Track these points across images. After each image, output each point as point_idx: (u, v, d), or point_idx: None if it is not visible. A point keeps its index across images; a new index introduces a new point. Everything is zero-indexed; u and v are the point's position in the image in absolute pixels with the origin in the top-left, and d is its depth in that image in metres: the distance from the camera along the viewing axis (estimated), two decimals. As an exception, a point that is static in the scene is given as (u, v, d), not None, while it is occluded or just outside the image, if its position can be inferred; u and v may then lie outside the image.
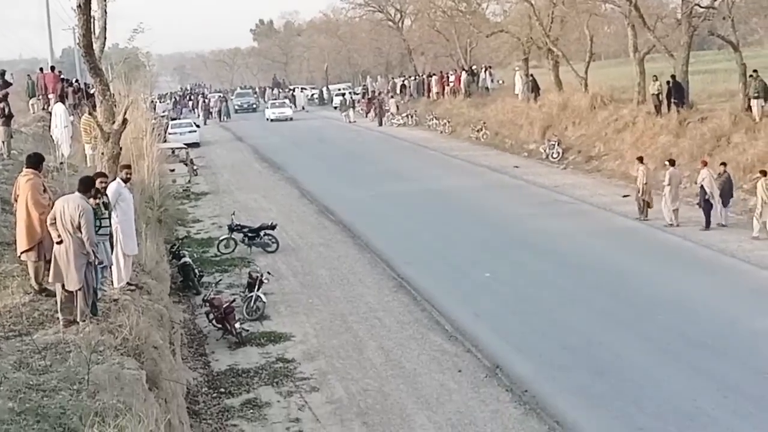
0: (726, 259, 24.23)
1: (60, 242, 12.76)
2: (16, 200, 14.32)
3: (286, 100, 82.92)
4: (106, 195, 14.72)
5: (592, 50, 48.07)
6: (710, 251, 25.02)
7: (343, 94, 79.87)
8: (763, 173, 26.01)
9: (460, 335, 19.57)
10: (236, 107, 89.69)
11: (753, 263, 23.49)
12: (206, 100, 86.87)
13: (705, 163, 28.46)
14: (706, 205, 27.47)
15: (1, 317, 12.55)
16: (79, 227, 12.61)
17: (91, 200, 13.59)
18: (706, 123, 34.48)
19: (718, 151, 31.91)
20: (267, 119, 75.27)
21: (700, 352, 17.87)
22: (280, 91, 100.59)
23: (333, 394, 16.80)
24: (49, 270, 13.22)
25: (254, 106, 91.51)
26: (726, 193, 27.40)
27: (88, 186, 13.40)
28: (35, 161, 14.52)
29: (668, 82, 37.57)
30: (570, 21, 49.61)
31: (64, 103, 38.84)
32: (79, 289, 12.64)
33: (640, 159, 30.00)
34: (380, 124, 64.11)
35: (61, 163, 24.60)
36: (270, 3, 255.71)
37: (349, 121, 67.41)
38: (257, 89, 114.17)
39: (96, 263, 12.94)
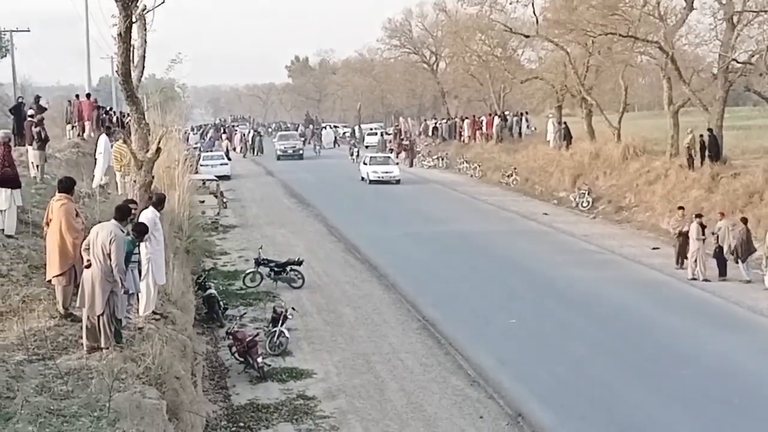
0: (754, 317, 23.97)
1: (88, 266, 12.81)
2: (47, 224, 14.39)
3: (390, 158, 60.11)
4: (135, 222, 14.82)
5: (626, 101, 48.05)
6: (738, 308, 24.77)
7: (376, 133, 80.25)
8: None
9: (482, 381, 19.40)
10: (279, 153, 74.43)
11: (782, 322, 23.24)
12: (243, 135, 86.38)
13: (722, 215, 28.90)
14: (720, 255, 27.71)
15: (26, 340, 12.59)
16: (109, 254, 12.66)
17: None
18: (739, 179, 34.31)
19: (750, 208, 31.72)
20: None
21: (725, 410, 17.62)
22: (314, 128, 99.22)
23: (352, 434, 16.67)
24: (77, 295, 13.29)
25: (301, 151, 75.52)
26: (742, 248, 27.32)
27: (124, 214, 13.49)
28: (67, 186, 14.63)
29: (701, 136, 37.44)
30: (605, 71, 49.63)
31: (100, 129, 39.38)
32: (102, 314, 12.66)
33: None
34: (411, 165, 64.21)
35: (99, 187, 24.84)
36: (306, 41, 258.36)
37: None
38: (298, 126, 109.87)
39: (122, 291, 12.97)
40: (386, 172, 53.54)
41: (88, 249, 12.91)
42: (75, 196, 15.14)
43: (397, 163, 56.68)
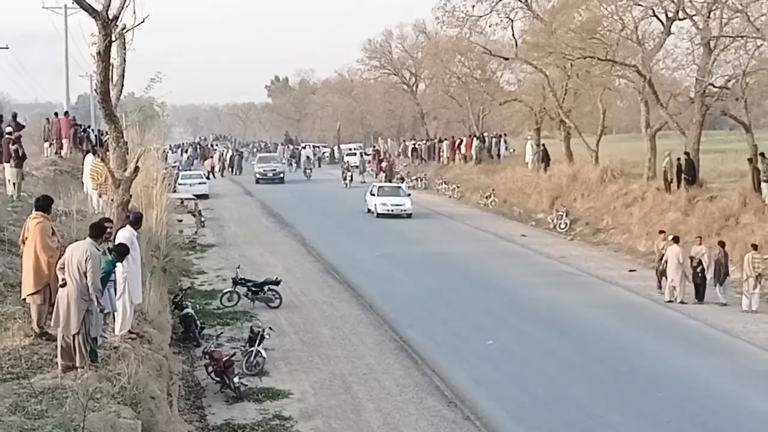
0: (729, 339, 24.11)
1: (63, 285, 12.76)
2: (23, 242, 14.33)
3: (401, 188, 52.36)
4: (113, 241, 14.77)
5: (604, 124, 48.32)
6: (714, 330, 24.92)
7: (355, 154, 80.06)
8: (754, 247, 26.95)
9: (459, 402, 19.39)
10: (258, 176, 70.05)
11: (757, 345, 23.37)
12: (222, 154, 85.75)
13: (700, 239, 29.02)
14: (701, 279, 27.91)
15: (0, 359, 12.48)
16: (85, 273, 12.61)
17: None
18: (716, 202, 34.59)
19: (726, 231, 31.91)
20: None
21: (700, 431, 17.69)
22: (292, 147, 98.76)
23: (328, 455, 16.61)
24: (51, 314, 13.22)
25: (282, 175, 70.85)
26: (719, 271, 27.51)
27: (99, 231, 13.44)
28: (44, 204, 14.59)
29: (678, 159, 37.71)
30: (583, 94, 49.95)
31: (77, 147, 39.29)
32: (77, 334, 12.59)
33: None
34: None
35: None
36: (286, 61, 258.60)
37: (361, 182, 67.26)
38: (274, 145, 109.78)
39: (97, 310, 12.90)
40: (397, 205, 47.70)
41: (63, 268, 12.85)
42: (52, 214, 15.05)
43: (409, 194, 50.18)
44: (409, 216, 47.03)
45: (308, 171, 74.44)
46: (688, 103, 40.07)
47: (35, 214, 14.38)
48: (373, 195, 48.90)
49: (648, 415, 18.49)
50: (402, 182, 53.89)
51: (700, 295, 27.84)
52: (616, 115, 60.07)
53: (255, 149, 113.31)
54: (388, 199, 48.19)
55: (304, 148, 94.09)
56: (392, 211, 47.21)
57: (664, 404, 19.08)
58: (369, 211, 48.63)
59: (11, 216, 22.28)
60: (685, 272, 27.99)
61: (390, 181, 64.27)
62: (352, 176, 66.54)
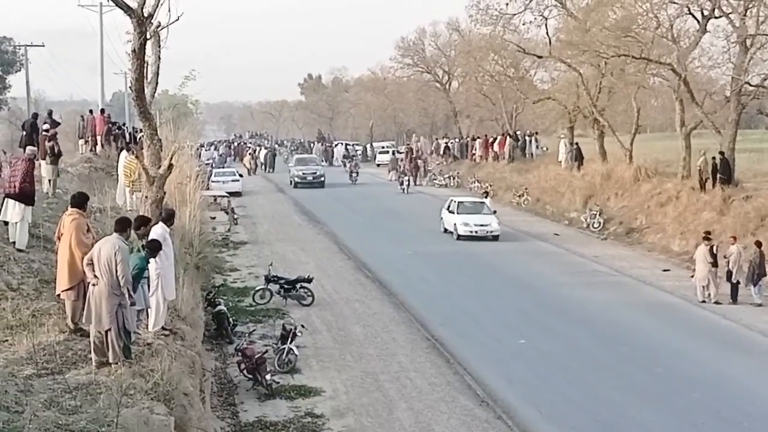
0: (764, 340, 23.91)
1: (95, 284, 12.84)
2: (59, 239, 14.44)
3: (484, 204, 43.23)
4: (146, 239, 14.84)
5: (638, 122, 47.97)
6: (749, 331, 24.72)
7: (387, 152, 79.64)
8: None
9: (491, 401, 19.35)
10: (296, 180, 64.28)
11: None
12: (254, 152, 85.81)
13: (734, 239, 28.74)
14: (730, 278, 27.66)
15: (35, 355, 12.60)
16: (115, 267, 12.67)
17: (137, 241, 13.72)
18: (751, 201, 34.22)
19: (762, 231, 31.56)
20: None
21: (735, 433, 17.57)
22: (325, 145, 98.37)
23: (360, 453, 16.62)
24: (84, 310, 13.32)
25: (322, 178, 64.48)
26: (755, 271, 27.27)
27: (124, 225, 13.51)
28: (80, 201, 14.68)
29: (714, 158, 37.39)
30: (618, 92, 49.61)
31: (111, 144, 39.57)
32: (109, 330, 12.66)
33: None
34: (415, 183, 63.42)
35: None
36: (319, 58, 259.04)
37: (392, 180, 67.05)
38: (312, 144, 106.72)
39: (129, 304, 12.95)
40: (481, 225, 39.99)
41: (91, 264, 12.91)
42: (87, 211, 15.15)
43: (494, 212, 42.01)
44: (496, 238, 39.67)
45: (354, 174, 67.05)
46: (723, 101, 39.68)
47: (71, 211, 14.48)
48: (452, 212, 41.37)
49: (682, 417, 18.37)
50: (485, 197, 45.19)
51: (734, 295, 27.59)
52: (651, 113, 59.65)
53: (291, 148, 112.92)
54: (471, 218, 40.57)
55: (336, 146, 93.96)
56: (476, 232, 39.68)
57: (698, 405, 18.95)
58: (446, 231, 41.38)
59: (47, 213, 22.45)
60: (718, 272, 27.79)
61: (416, 180, 63.90)
62: (408, 181, 60.29)
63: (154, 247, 14.56)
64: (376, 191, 59.81)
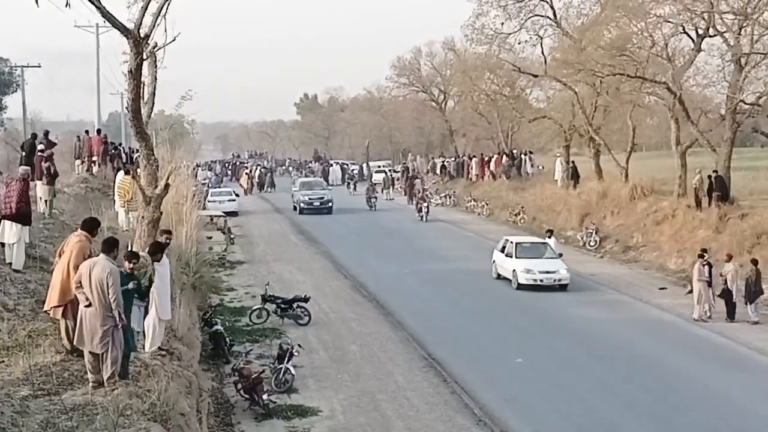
0: (761, 358, 23.90)
1: (88, 305, 12.79)
2: (59, 255, 14.39)
3: (548, 246, 35.44)
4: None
5: (634, 141, 48.10)
6: (747, 349, 24.72)
7: (384, 172, 79.61)
8: None
9: (488, 420, 19.31)
10: (302, 206, 58.78)
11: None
12: (250, 171, 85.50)
13: (730, 257, 28.68)
14: (728, 296, 27.62)
15: (32, 375, 12.57)
16: (107, 290, 12.63)
17: (126, 264, 13.69)
18: (747, 219, 34.30)
19: (758, 249, 31.65)
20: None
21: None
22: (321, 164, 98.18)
23: (357, 473, 16.57)
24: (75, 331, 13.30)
25: (330, 204, 59.01)
26: (751, 289, 27.29)
27: (111, 246, 13.46)
28: (90, 226, 14.65)
29: (709, 177, 37.46)
30: (613, 111, 49.75)
31: (107, 164, 39.59)
32: (105, 352, 12.61)
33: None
34: (410, 202, 63.03)
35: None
36: (315, 78, 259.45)
37: (387, 199, 67.07)
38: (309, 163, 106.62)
39: (121, 326, 12.88)
40: (547, 273, 32.80)
41: (80, 285, 12.86)
42: (95, 237, 15.03)
43: (560, 255, 35.01)
44: (564, 288, 32.72)
45: (372, 200, 60.92)
46: (718, 120, 39.82)
47: (79, 233, 14.44)
48: (509, 256, 34.12)
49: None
50: (549, 236, 37.25)
51: (731, 313, 27.60)
52: (646, 132, 59.81)
53: (291, 167, 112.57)
54: (534, 263, 33.10)
55: (331, 165, 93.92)
56: (541, 281, 32.45)
57: (696, 424, 18.95)
58: (499, 277, 34.48)
59: (43, 233, 22.45)
60: (714, 290, 27.84)
61: (413, 199, 62.88)
62: (427, 207, 54.61)
63: (154, 251, 14.82)
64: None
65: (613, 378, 22.26)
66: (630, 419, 19.33)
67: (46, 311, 14.43)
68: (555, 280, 32.47)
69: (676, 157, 41.76)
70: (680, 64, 41.16)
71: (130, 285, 13.74)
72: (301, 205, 58.68)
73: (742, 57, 37.09)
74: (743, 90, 37.63)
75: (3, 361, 13.26)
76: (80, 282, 12.88)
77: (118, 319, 12.75)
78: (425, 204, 54.49)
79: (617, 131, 52.63)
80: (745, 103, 37.54)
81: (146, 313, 15.29)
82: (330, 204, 58.72)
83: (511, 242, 34.66)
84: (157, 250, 15.65)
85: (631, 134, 47.45)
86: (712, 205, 36.81)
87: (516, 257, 33.51)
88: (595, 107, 49.16)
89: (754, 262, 28.03)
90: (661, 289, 32.56)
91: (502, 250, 34.73)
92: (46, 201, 25.71)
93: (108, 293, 12.64)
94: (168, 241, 17.89)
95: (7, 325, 14.62)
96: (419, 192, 58.33)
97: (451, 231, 49.65)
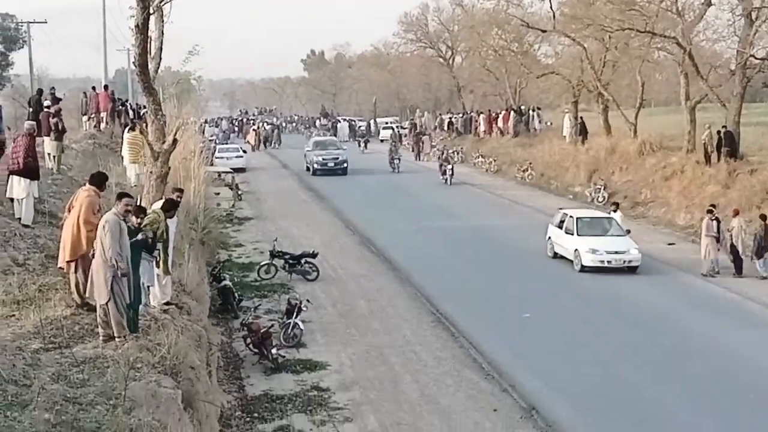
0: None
1: (93, 255, 12.93)
2: (69, 210, 14.42)
3: (612, 221, 30.60)
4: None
5: (642, 96, 47.81)
6: (754, 304, 24.75)
7: (392, 128, 79.33)
8: None
9: (497, 374, 19.38)
10: (315, 166, 56.28)
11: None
12: (258, 128, 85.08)
13: (736, 212, 28.62)
14: (734, 252, 27.68)
15: (42, 329, 12.62)
16: (102, 239, 12.66)
17: (134, 219, 13.70)
18: (756, 175, 34.18)
19: (767, 204, 31.53)
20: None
21: (740, 404, 17.58)
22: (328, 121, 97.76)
23: (366, 426, 16.68)
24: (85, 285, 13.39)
25: (345, 164, 56.65)
26: (759, 245, 27.27)
27: (101, 180, 14.33)
28: (99, 180, 14.70)
29: (719, 132, 37.28)
30: (622, 66, 49.47)
31: (115, 121, 39.55)
32: (108, 302, 12.64)
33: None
34: (418, 159, 63.65)
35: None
36: (322, 34, 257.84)
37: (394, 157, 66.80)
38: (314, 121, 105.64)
39: (125, 279, 12.84)
40: (615, 253, 28.54)
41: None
42: (103, 192, 15.05)
43: (628, 231, 29.94)
44: (633, 270, 28.57)
45: (396, 161, 58.03)
46: (728, 75, 39.54)
47: (87, 187, 14.46)
48: (569, 233, 29.86)
49: (688, 389, 18.44)
50: (615, 209, 32.22)
51: (738, 269, 27.59)
52: (655, 87, 59.45)
53: (300, 125, 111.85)
54: (600, 242, 28.93)
55: (339, 122, 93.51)
56: (609, 262, 28.42)
57: (704, 377, 19.00)
58: (556, 256, 30.51)
59: (51, 189, 22.50)
60: (722, 245, 27.83)
61: (419, 155, 63.16)
62: (451, 169, 50.99)
63: (168, 207, 15.38)
64: (378, 167, 58.78)
65: (622, 332, 22.28)
66: (637, 372, 19.36)
67: (60, 267, 14.48)
68: (624, 262, 28.47)
69: (685, 112, 41.54)
70: (690, 19, 40.84)
71: (140, 236, 13.75)
72: (315, 166, 56.32)
73: (753, 11, 36.78)
74: (753, 45, 37.38)
75: (14, 315, 13.31)
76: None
77: (116, 268, 12.64)
78: (449, 166, 51.06)
79: (626, 87, 52.33)
80: (756, 58, 37.26)
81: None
82: (345, 164, 56.39)
83: (571, 217, 30.35)
84: (171, 207, 15.73)
85: (640, 90, 47.18)
86: (721, 161, 36.67)
87: (578, 235, 29.27)
88: (604, 63, 48.87)
89: (763, 217, 27.93)
90: (669, 244, 32.53)
91: (560, 226, 30.58)
92: (54, 157, 25.72)
93: (105, 242, 12.64)
94: (179, 198, 17.91)
95: (17, 279, 14.67)
96: (443, 153, 54.63)
97: (458, 187, 49.29)
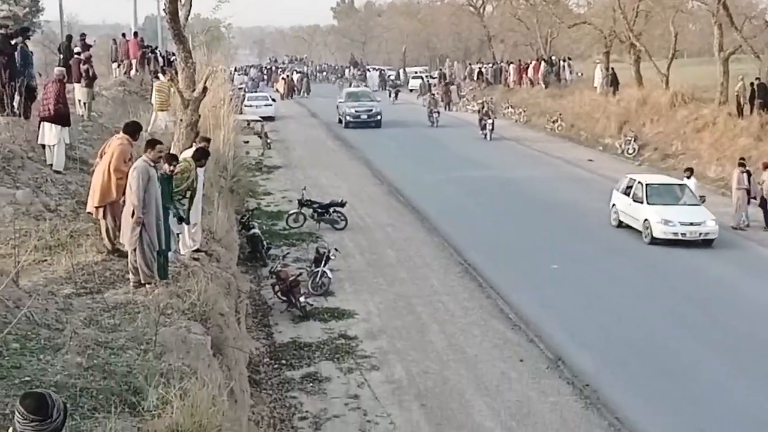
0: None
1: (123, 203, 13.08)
2: (101, 157, 14.49)
3: None
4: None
5: (675, 47, 47.29)
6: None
7: (421, 77, 78.90)
8: None
9: (523, 325, 19.43)
10: (348, 118, 54.17)
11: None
12: (288, 76, 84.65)
13: (766, 165, 28.09)
14: (765, 205, 27.43)
15: (74, 274, 12.74)
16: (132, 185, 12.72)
17: (166, 166, 13.74)
18: (790, 128, 33.81)
19: (799, 157, 31.20)
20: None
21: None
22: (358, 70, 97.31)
23: (393, 374, 16.81)
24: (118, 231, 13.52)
25: (379, 117, 54.30)
26: None
27: (135, 129, 14.47)
28: (132, 130, 14.76)
29: (752, 84, 36.85)
30: (655, 16, 48.93)
31: (144, 68, 39.56)
32: (135, 249, 12.73)
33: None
34: (447, 108, 63.11)
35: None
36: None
37: (423, 105, 66.37)
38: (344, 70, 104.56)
39: (153, 225, 12.87)
40: (690, 224, 26.00)
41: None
42: (136, 141, 15.08)
43: (703, 198, 27.56)
44: (709, 244, 25.90)
45: (435, 115, 55.26)
46: (763, 26, 39.10)
47: (121, 135, 14.50)
48: (638, 201, 27.04)
49: (717, 343, 18.40)
50: (689, 176, 29.24)
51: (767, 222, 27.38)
52: (688, 38, 58.80)
53: (330, 74, 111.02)
54: (673, 211, 26.32)
55: (369, 71, 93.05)
56: (683, 235, 25.79)
57: (734, 332, 18.94)
58: (621, 225, 27.95)
59: (82, 135, 22.61)
60: (753, 198, 27.62)
61: (449, 105, 62.81)
62: (493, 125, 48.51)
63: (199, 156, 15.45)
64: (407, 117, 58.69)
65: (648, 284, 22.24)
66: (665, 326, 19.32)
67: (88, 212, 14.60)
68: (700, 234, 25.91)
69: (718, 64, 41.03)
70: (726, -32, 40.23)
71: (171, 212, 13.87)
72: (347, 118, 54.27)
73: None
74: (790, -5, 36.82)
75: (46, 260, 13.45)
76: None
77: (141, 215, 12.59)
78: (490, 120, 48.43)
79: (658, 37, 51.83)
80: (792, 9, 36.76)
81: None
82: (378, 117, 54.28)
83: (640, 183, 27.65)
84: (202, 156, 15.71)
85: (673, 40, 46.65)
86: (754, 113, 36.27)
87: (648, 203, 26.67)
88: (637, 12, 48.30)
89: (793, 170, 27.69)
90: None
91: (626, 192, 27.94)
92: (84, 103, 25.83)
93: (132, 188, 12.69)
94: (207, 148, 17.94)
95: (49, 224, 14.79)
96: (483, 106, 50.95)
97: (488, 137, 49.08)
